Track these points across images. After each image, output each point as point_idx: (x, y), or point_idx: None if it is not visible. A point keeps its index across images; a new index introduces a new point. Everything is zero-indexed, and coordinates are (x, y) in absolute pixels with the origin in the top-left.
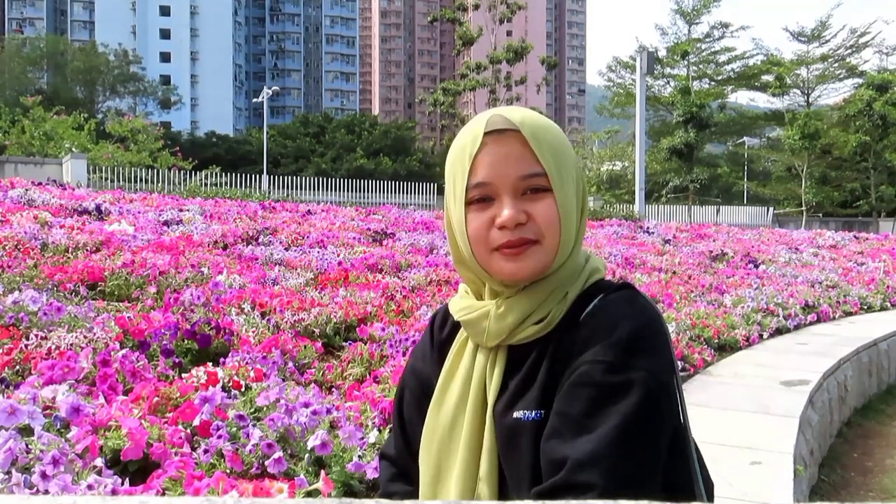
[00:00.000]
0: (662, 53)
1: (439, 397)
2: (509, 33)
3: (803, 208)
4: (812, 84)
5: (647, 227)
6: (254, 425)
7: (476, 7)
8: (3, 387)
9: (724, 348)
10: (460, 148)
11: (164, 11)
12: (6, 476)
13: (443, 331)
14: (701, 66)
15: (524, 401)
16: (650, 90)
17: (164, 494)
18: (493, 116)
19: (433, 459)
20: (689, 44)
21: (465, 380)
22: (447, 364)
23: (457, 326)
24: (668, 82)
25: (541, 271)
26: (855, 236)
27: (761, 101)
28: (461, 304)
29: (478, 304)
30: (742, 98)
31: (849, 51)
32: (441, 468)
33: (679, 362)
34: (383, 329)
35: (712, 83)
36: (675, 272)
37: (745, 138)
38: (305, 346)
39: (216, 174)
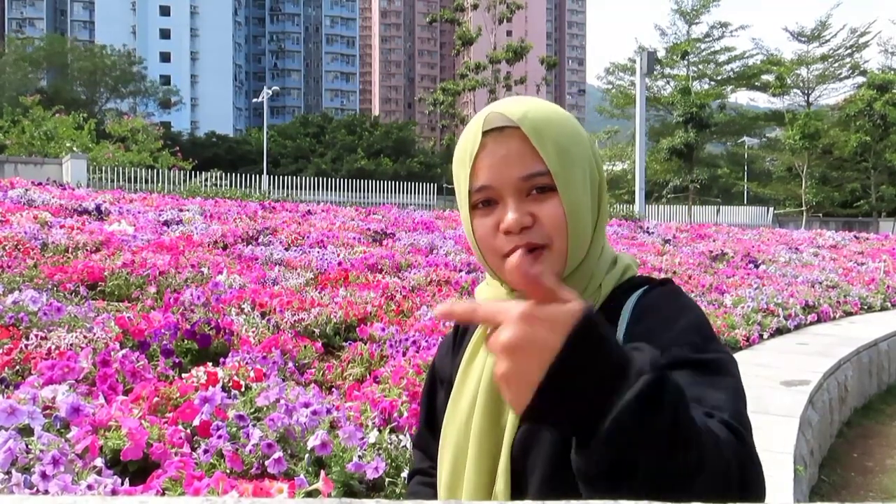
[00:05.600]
0: (662, 54)
1: (458, 387)
2: (509, 33)
3: (804, 208)
4: (812, 84)
5: (647, 227)
6: (254, 425)
7: (475, 7)
8: (3, 387)
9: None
10: (461, 149)
11: (164, 11)
12: (6, 476)
13: (454, 328)
14: (701, 66)
15: None
16: (650, 91)
17: (163, 494)
18: (491, 114)
19: (451, 451)
20: (689, 44)
21: (483, 371)
22: (467, 353)
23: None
24: (668, 82)
25: (555, 276)
26: (855, 236)
27: (761, 101)
28: (486, 293)
29: (501, 295)
30: (742, 98)
31: (849, 50)
32: (458, 460)
33: None
34: (383, 329)
35: (712, 83)
36: (675, 272)
37: (745, 138)
38: (305, 346)
39: (216, 176)
